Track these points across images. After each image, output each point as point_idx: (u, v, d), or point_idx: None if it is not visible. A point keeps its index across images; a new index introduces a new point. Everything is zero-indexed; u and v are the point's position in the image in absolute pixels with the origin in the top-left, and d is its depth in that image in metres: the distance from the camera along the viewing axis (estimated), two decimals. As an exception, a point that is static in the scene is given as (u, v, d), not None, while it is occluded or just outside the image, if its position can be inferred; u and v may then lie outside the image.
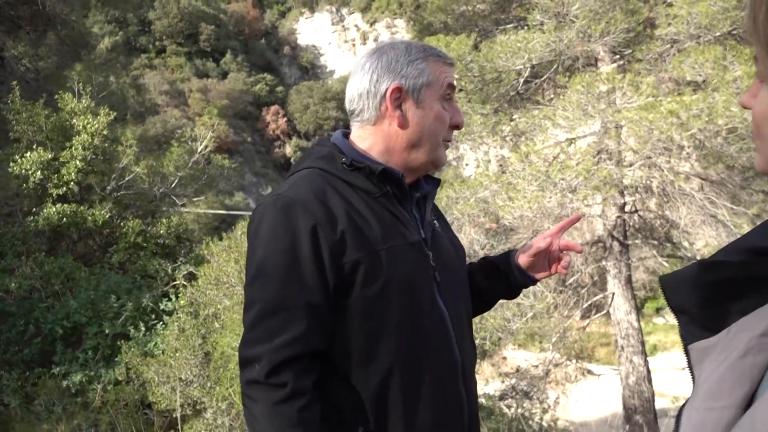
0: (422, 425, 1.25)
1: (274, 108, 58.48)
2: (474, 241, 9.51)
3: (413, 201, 1.37)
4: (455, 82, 1.37)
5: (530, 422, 7.15)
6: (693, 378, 0.74)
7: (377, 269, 1.22)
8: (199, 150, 9.20)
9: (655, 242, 9.11)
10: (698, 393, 0.70)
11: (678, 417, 0.72)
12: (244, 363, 1.19)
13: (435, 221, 1.43)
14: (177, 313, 5.74)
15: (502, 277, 1.52)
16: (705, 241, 8.20)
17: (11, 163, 7.57)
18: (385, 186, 1.30)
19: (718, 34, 7.10)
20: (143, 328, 5.95)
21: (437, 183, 1.46)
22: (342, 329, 1.22)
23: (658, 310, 24.62)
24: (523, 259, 1.49)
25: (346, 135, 1.40)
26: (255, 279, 1.21)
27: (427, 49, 1.35)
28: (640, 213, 9.20)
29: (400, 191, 1.32)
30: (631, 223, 9.14)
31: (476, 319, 8.61)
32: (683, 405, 0.72)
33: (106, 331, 6.05)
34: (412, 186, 1.38)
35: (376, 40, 65.27)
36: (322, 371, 1.22)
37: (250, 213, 1.35)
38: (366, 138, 1.35)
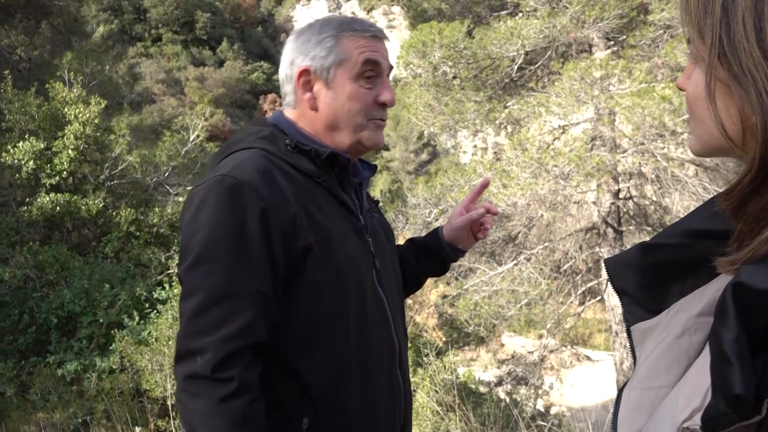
0: (367, 410, 1.23)
1: (271, 96, 58.18)
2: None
3: (352, 187, 1.34)
4: (380, 57, 1.28)
5: (524, 407, 7.20)
6: (635, 358, 0.75)
7: (328, 255, 1.18)
8: (191, 139, 9.17)
9: (650, 228, 9.12)
10: (637, 373, 0.71)
11: (618, 397, 0.74)
12: (184, 355, 1.09)
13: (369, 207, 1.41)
14: (170, 302, 5.76)
15: (434, 256, 1.55)
16: (698, 226, 8.19)
17: (4, 153, 7.54)
18: (330, 170, 1.26)
19: (711, 19, 7.05)
20: (137, 317, 5.97)
21: (374, 169, 1.43)
22: (289, 317, 1.17)
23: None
24: (451, 235, 1.51)
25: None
26: (197, 264, 1.11)
27: (344, 24, 1.28)
28: (635, 199, 9.22)
29: (343, 176, 1.29)
30: (625, 210, 9.16)
31: (470, 306, 8.64)
32: (623, 385, 0.74)
33: (101, 320, 6.07)
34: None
35: (373, 27, 64.87)
36: (264, 363, 1.15)
37: None
38: (297, 121, 1.31)
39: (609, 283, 0.81)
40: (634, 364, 0.75)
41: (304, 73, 1.26)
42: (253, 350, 1.11)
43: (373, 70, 1.27)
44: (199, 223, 1.13)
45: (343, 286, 1.20)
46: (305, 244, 1.15)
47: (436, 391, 3.79)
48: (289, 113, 1.32)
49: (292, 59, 1.28)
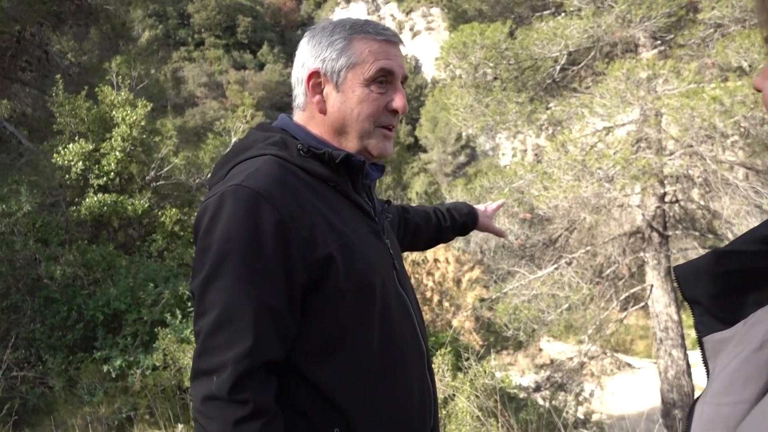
0: (400, 417, 1.19)
1: (310, 98, 58.79)
2: (509, 231, 9.41)
3: (365, 189, 1.31)
4: (395, 66, 1.24)
5: (564, 414, 7.07)
6: (707, 371, 0.72)
7: (351, 260, 1.15)
8: (232, 141, 9.35)
9: (697, 233, 8.86)
10: (711, 387, 0.68)
11: (690, 412, 0.70)
12: (200, 374, 1.07)
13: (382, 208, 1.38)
14: (212, 301, 5.83)
15: (467, 231, 1.85)
16: (749, 232, 7.93)
17: (54, 155, 7.79)
18: (344, 174, 1.23)
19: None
20: (180, 316, 6.06)
21: (382, 170, 1.38)
22: (310, 326, 1.13)
23: (700, 303, 24.01)
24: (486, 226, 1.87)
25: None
26: (211, 280, 1.08)
27: (357, 26, 1.24)
28: (681, 203, 8.96)
29: (356, 179, 1.25)
30: (671, 214, 8.91)
31: (510, 310, 8.53)
32: (696, 399, 0.70)
33: (145, 318, 6.19)
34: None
35: (412, 29, 64.90)
36: (284, 377, 1.13)
37: None
38: (307, 124, 1.28)
39: (679, 291, 0.76)
40: (707, 377, 0.71)
41: (314, 74, 1.24)
42: (269, 368, 1.09)
43: (386, 77, 1.24)
44: (213, 237, 1.09)
45: (368, 290, 1.17)
46: (327, 253, 1.12)
47: (477, 396, 3.74)
48: (299, 116, 1.30)
49: (302, 62, 1.26)
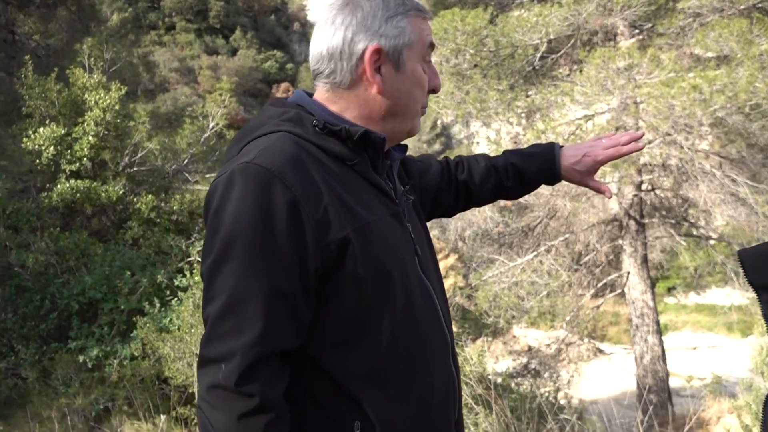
0: (423, 406, 1.14)
1: (284, 85, 58.06)
2: (488, 219, 9.45)
3: (385, 169, 1.23)
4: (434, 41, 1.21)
5: (543, 400, 7.15)
6: None
7: (368, 244, 1.08)
8: (210, 127, 9.12)
9: (673, 221, 9.00)
10: None
11: (766, 404, 0.66)
12: (207, 362, 1.01)
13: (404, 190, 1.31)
14: (192, 289, 5.72)
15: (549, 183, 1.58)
16: (724, 219, 8.09)
17: (24, 139, 7.53)
18: (363, 152, 1.15)
19: (743, 6, 6.91)
20: (158, 304, 5.93)
21: (405, 150, 1.31)
22: (327, 315, 1.08)
23: (670, 290, 24.52)
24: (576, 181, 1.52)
25: (310, 96, 1.23)
26: (219, 263, 1.02)
27: (407, 1, 1.18)
28: (657, 191, 9.08)
29: (376, 158, 1.18)
30: (648, 202, 9.03)
31: (490, 298, 8.57)
32: None
33: (122, 307, 6.05)
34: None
35: (386, 16, 64.55)
36: (300, 367, 1.08)
37: None
38: (336, 102, 1.18)
39: (745, 277, 0.72)
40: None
41: (375, 53, 1.13)
42: (282, 359, 1.03)
43: (429, 55, 1.20)
44: (222, 218, 1.03)
45: (387, 276, 1.10)
46: (342, 236, 1.05)
47: (466, 384, 3.73)
48: (332, 92, 1.18)
49: (351, 36, 1.13)
